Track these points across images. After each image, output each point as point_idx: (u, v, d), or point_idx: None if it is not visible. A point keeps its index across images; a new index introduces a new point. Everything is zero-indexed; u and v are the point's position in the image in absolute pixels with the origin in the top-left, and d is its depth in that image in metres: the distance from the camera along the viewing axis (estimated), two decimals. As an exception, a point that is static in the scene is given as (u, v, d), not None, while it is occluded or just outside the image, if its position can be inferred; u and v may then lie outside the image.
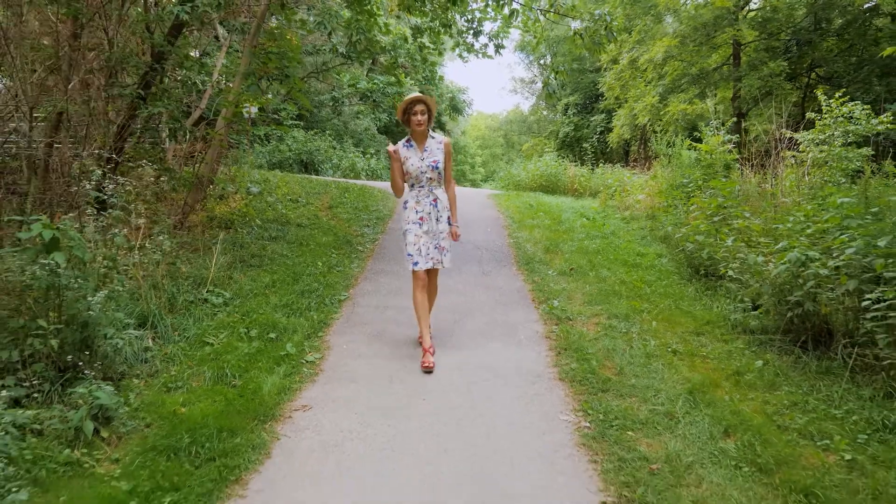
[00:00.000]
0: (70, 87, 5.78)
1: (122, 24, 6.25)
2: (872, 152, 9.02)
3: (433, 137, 4.06)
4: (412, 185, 4.08)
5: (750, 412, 3.29)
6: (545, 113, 34.82)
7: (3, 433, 2.60)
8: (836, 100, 10.28)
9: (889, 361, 3.43)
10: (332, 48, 15.54)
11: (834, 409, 3.29)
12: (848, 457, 2.80)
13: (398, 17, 13.55)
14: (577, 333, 4.51)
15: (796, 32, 15.39)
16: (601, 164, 16.78)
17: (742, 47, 16.00)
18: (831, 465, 2.76)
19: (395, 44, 15.00)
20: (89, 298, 3.26)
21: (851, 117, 10.23)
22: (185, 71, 5.94)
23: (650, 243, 7.55)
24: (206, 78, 8.30)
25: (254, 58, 7.59)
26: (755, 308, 4.72)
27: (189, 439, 2.80)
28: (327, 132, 17.95)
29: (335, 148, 17.21)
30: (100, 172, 4.24)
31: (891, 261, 3.77)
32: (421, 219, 4.04)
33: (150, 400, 3.25)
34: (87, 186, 4.07)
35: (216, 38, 9.60)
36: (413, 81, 21.15)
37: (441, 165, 4.02)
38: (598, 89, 22.47)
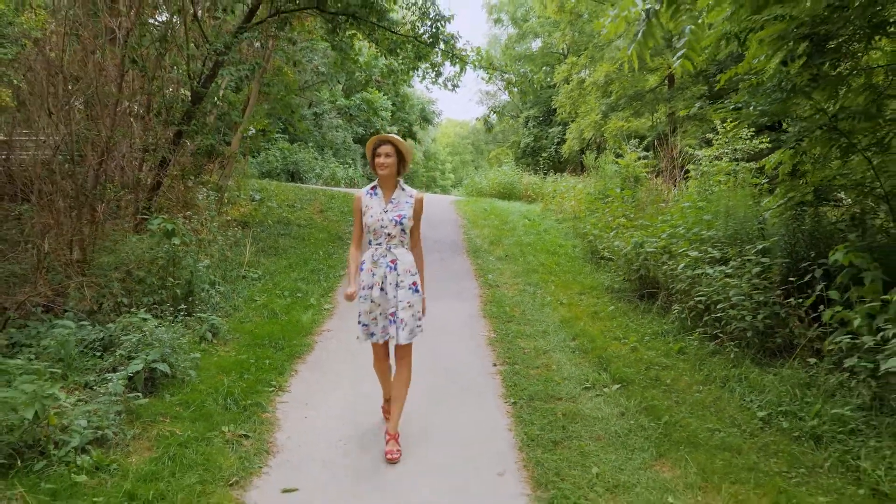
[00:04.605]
0: (120, 114, 7.79)
1: (162, 69, 8.29)
2: (758, 166, 11.52)
3: (404, 189, 3.49)
4: (370, 242, 3.49)
5: (592, 330, 5.59)
6: (511, 119, 37.40)
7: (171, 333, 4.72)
8: (729, 123, 12.86)
9: (677, 299, 5.79)
10: (314, 69, 17.62)
11: (641, 328, 5.61)
12: (632, 345, 5.11)
13: (377, 56, 15.73)
14: (500, 294, 6.80)
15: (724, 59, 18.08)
16: (552, 173, 19.27)
17: (671, 69, 18.65)
18: (622, 349, 5.06)
19: (369, 63, 17.20)
20: (198, 265, 5.38)
21: (740, 138, 12.84)
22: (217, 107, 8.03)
23: (570, 238, 9.90)
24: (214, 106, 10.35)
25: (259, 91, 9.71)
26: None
27: (268, 340, 4.97)
28: (309, 144, 19.99)
29: (317, 159, 19.26)
30: (206, 190, 6.35)
31: (695, 244, 6.14)
32: (375, 284, 3.41)
33: (233, 327, 5.38)
34: (204, 195, 6.17)
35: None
36: (387, 97, 23.40)
37: (406, 221, 3.41)
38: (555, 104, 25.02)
